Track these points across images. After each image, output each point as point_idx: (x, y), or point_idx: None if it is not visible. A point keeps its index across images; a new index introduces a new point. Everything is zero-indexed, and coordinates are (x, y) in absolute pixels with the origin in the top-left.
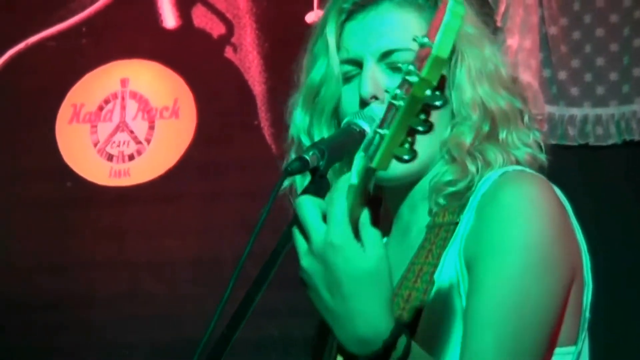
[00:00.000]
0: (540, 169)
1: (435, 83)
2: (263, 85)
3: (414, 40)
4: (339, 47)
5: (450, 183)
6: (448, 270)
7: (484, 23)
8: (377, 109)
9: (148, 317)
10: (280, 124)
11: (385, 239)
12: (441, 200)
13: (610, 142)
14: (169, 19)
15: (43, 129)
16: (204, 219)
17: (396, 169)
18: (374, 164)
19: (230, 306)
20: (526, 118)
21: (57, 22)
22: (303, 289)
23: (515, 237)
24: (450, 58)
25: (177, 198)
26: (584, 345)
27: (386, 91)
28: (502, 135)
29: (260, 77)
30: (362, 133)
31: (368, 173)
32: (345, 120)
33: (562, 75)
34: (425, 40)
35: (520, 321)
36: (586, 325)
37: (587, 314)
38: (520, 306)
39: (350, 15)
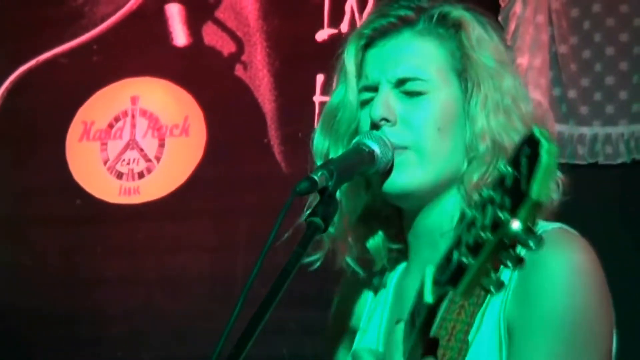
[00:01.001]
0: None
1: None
2: (273, 103)
3: None
4: (360, 74)
5: (462, 223)
6: (486, 333)
7: (506, 54)
8: (388, 131)
9: (159, 334)
10: (290, 142)
11: (393, 276)
12: (460, 253)
13: (619, 161)
14: (180, 36)
15: (53, 146)
16: (214, 236)
17: (399, 180)
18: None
19: (239, 324)
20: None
21: (69, 39)
22: None
23: (563, 312)
24: (466, 88)
25: (187, 216)
26: None
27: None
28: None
29: (270, 95)
30: (372, 153)
31: None
32: (354, 141)
33: (572, 94)
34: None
35: None
36: None
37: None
38: None
39: (372, 42)
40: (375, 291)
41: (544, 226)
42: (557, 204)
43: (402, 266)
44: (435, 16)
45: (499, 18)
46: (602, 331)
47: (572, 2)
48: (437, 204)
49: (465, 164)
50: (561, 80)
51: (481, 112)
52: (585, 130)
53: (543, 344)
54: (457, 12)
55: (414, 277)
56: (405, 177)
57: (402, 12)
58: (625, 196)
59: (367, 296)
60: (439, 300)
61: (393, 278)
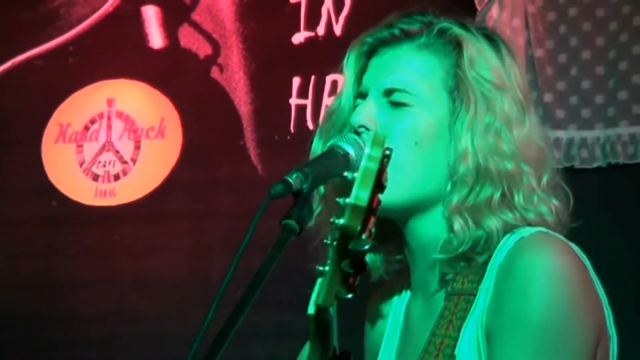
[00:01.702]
0: (562, 224)
1: (358, 229)
2: (249, 106)
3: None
4: (359, 80)
5: (444, 248)
6: (469, 345)
7: (511, 71)
8: (367, 139)
9: (134, 336)
10: (266, 144)
11: (409, 293)
12: (447, 269)
13: (595, 165)
14: (156, 39)
15: (29, 148)
16: (190, 239)
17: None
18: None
19: (214, 326)
20: (544, 181)
21: (44, 40)
22: None
23: (532, 315)
24: (456, 106)
25: (163, 218)
26: None
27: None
28: (516, 198)
29: (247, 97)
30: (346, 156)
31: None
32: (329, 144)
33: (548, 97)
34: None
35: None
36: None
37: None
38: None
39: (376, 50)
40: (395, 308)
41: (524, 231)
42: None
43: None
44: (435, 31)
45: (476, 21)
46: (578, 332)
47: (548, 6)
48: (423, 221)
49: (449, 185)
50: (537, 84)
51: (466, 133)
52: (561, 134)
53: (514, 348)
54: (457, 30)
55: (418, 302)
56: (389, 199)
57: (405, 25)
58: (602, 200)
59: (390, 309)
60: None
61: (405, 297)
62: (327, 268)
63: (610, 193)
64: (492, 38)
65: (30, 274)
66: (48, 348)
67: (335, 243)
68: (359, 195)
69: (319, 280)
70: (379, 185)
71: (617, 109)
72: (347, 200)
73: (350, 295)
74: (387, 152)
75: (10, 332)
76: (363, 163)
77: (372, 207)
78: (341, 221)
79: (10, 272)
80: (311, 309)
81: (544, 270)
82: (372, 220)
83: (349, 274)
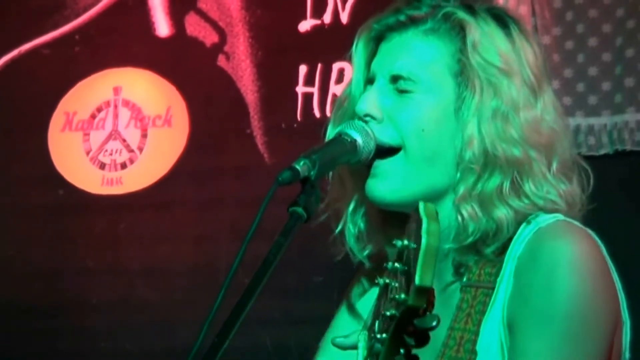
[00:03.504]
0: (578, 210)
1: (423, 306)
2: (256, 94)
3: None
4: (369, 68)
5: (455, 237)
6: (490, 339)
7: (522, 53)
8: (374, 127)
9: (142, 324)
10: (273, 132)
11: None
12: (459, 258)
13: (602, 152)
14: (162, 27)
15: (35, 136)
16: (197, 226)
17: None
18: None
19: (222, 314)
20: (554, 167)
21: (51, 29)
22: None
23: (558, 306)
24: (462, 92)
25: (170, 206)
26: None
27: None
28: (526, 185)
29: (253, 85)
30: (354, 143)
31: None
32: (337, 130)
33: (555, 84)
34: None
35: None
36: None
37: (627, 355)
38: None
39: (385, 36)
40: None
41: (541, 220)
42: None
43: None
44: (440, 16)
45: None
46: (601, 321)
47: None
48: (441, 215)
49: (459, 174)
50: None
51: (472, 118)
52: (568, 121)
53: (539, 339)
54: (462, 14)
55: (435, 297)
56: (381, 187)
57: (412, 11)
58: (608, 188)
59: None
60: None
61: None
62: (383, 336)
63: (617, 180)
64: (502, 19)
65: (37, 263)
66: (56, 336)
67: (397, 316)
68: (425, 276)
69: (365, 339)
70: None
71: (624, 95)
72: (415, 281)
73: None
74: (437, 214)
75: (18, 320)
76: (424, 240)
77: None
78: (405, 299)
79: (17, 260)
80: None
81: (567, 260)
82: (434, 293)
83: (411, 346)
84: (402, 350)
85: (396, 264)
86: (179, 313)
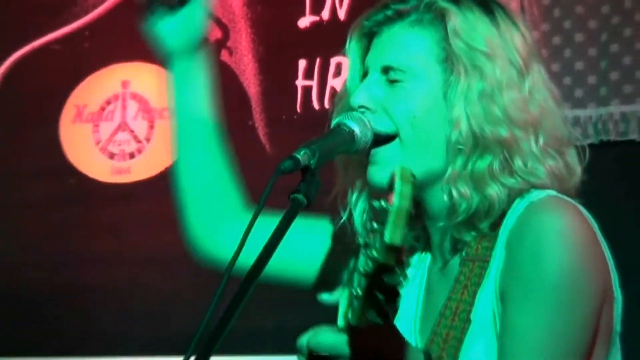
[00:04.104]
0: (572, 186)
1: (393, 264)
2: (257, 87)
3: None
4: (364, 62)
5: (448, 215)
6: (484, 309)
7: (507, 36)
8: (370, 117)
9: (147, 310)
10: (274, 124)
11: (429, 256)
12: (456, 235)
13: (588, 142)
14: None
15: (47, 128)
16: None
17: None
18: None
19: (226, 298)
20: (541, 143)
21: (61, 26)
22: None
23: (546, 276)
24: (447, 69)
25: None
26: (615, 357)
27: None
28: (515, 163)
29: (255, 79)
30: (352, 133)
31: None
32: (335, 121)
33: None
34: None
35: (553, 357)
36: (617, 339)
37: (618, 328)
38: (553, 344)
39: (375, 32)
40: (417, 267)
41: (533, 195)
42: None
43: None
44: (422, 7)
45: None
46: (588, 291)
47: None
48: (434, 192)
49: (450, 156)
50: None
51: (459, 101)
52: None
53: (528, 308)
54: (443, 3)
55: (437, 265)
56: (380, 172)
57: (398, 5)
58: (595, 176)
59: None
60: None
61: (426, 262)
62: (358, 292)
63: (601, 170)
64: (487, 5)
65: (48, 250)
66: (64, 319)
67: (369, 272)
68: (394, 235)
69: (346, 296)
70: (409, 217)
71: (609, 89)
72: (384, 239)
73: (382, 322)
74: (414, 180)
75: (30, 305)
76: (396, 201)
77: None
78: (376, 256)
79: (29, 248)
80: (341, 323)
81: (556, 233)
82: (404, 251)
83: (381, 302)
84: (375, 307)
85: (373, 224)
86: (183, 298)
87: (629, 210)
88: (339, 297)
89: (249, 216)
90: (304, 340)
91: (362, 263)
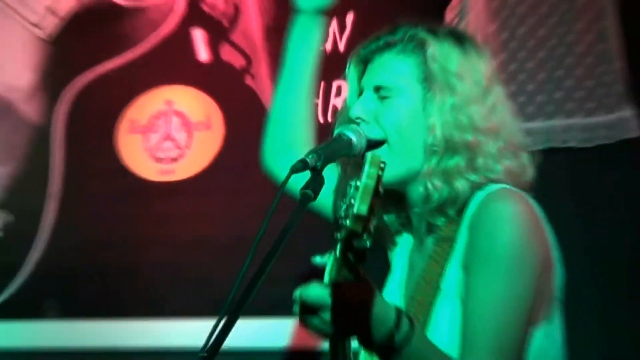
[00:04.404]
0: (524, 181)
1: (360, 231)
2: None
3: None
4: (360, 83)
5: (424, 203)
6: (451, 279)
7: (474, 61)
8: (365, 127)
9: (189, 280)
10: None
11: (411, 238)
12: (430, 219)
13: (537, 148)
14: (203, 54)
15: (108, 138)
16: (230, 208)
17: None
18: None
19: (249, 272)
20: (500, 147)
21: (118, 55)
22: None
23: (499, 250)
24: (426, 87)
25: (210, 192)
26: (557, 319)
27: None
28: (477, 162)
29: (272, 98)
30: (349, 141)
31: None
32: (337, 131)
33: None
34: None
35: (505, 315)
36: (558, 304)
37: (558, 295)
38: (504, 302)
39: (370, 59)
40: (401, 246)
41: (491, 188)
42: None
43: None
44: (406, 38)
45: None
46: (531, 262)
47: (501, 28)
48: (415, 186)
49: (427, 156)
50: None
51: (434, 113)
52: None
53: (486, 276)
54: (423, 35)
55: (416, 245)
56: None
57: (388, 38)
58: (541, 175)
59: (398, 247)
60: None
61: (409, 242)
62: (336, 255)
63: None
64: (459, 37)
65: (108, 234)
66: (127, 290)
67: (343, 239)
68: (361, 207)
69: (331, 260)
70: (377, 194)
71: (554, 106)
72: (353, 210)
73: (353, 278)
74: (382, 165)
75: (99, 277)
76: (363, 180)
77: (371, 213)
78: (347, 225)
79: (95, 232)
80: (326, 279)
81: (506, 218)
82: (372, 221)
83: (352, 262)
84: (348, 267)
85: (351, 200)
86: (216, 275)
87: (570, 201)
88: (326, 260)
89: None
90: (297, 293)
91: (340, 231)
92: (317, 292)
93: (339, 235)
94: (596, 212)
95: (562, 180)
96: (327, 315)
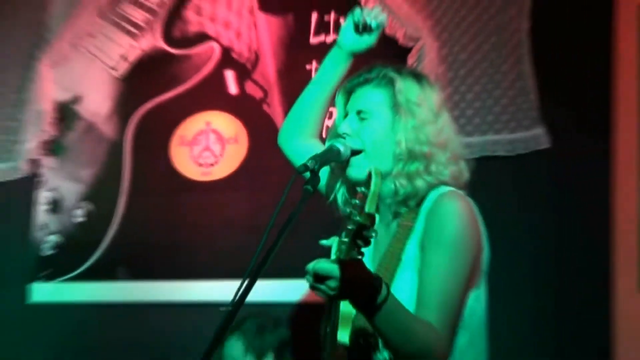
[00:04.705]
0: (466, 184)
1: (368, 223)
2: None
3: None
4: (345, 108)
5: (391, 197)
6: (409, 254)
7: (425, 97)
8: (349, 140)
9: (224, 251)
10: None
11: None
12: (395, 208)
13: (472, 157)
14: (233, 88)
15: (164, 150)
16: (253, 202)
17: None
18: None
19: (265, 246)
20: (448, 156)
21: (172, 89)
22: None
23: (446, 238)
24: (394, 112)
25: (237, 188)
26: (483, 287)
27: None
28: (431, 167)
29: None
30: (338, 151)
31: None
32: (329, 143)
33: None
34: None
35: (449, 282)
36: (485, 277)
37: (485, 269)
38: (449, 276)
39: (353, 90)
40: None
41: (442, 189)
42: (463, 179)
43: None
44: (380, 76)
45: None
46: (470, 248)
47: (447, 69)
48: (386, 184)
49: (394, 162)
50: None
51: (400, 130)
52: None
53: (436, 256)
54: (392, 74)
55: (383, 228)
56: (355, 171)
57: (366, 75)
58: (475, 177)
59: None
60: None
61: (381, 224)
62: (345, 240)
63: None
64: (417, 75)
65: (163, 219)
66: (179, 258)
67: (354, 229)
68: (370, 207)
69: (337, 243)
70: (379, 197)
71: (487, 126)
72: (365, 209)
73: (360, 257)
74: (382, 176)
75: (159, 252)
76: (373, 187)
77: (376, 211)
78: (358, 219)
79: (152, 218)
80: (333, 257)
81: (453, 212)
82: (376, 218)
83: (360, 246)
84: (356, 249)
85: (357, 201)
86: (240, 251)
87: (499, 195)
88: (332, 243)
89: (318, 146)
90: (310, 265)
91: (350, 224)
92: (328, 266)
93: (350, 226)
94: (518, 203)
95: (492, 180)
96: (333, 284)
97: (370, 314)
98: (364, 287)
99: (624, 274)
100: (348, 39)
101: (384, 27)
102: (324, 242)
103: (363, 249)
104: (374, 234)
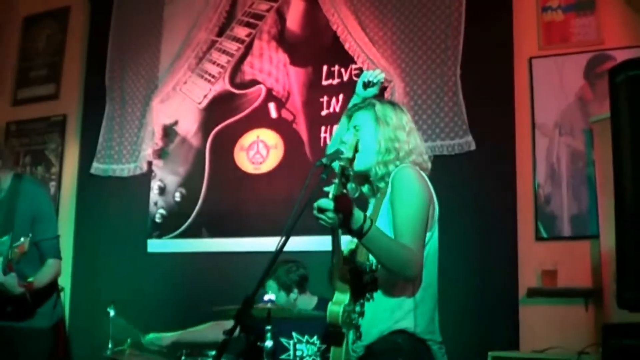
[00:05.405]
0: (425, 168)
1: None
2: (307, 138)
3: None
4: (346, 126)
5: (374, 176)
6: (384, 212)
7: (396, 117)
8: (347, 145)
9: (268, 218)
10: (314, 150)
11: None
12: (377, 184)
13: (431, 154)
14: (273, 113)
15: (230, 155)
16: (288, 188)
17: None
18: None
19: (296, 214)
20: (410, 148)
21: (234, 116)
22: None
23: (406, 194)
24: (377, 125)
25: (277, 179)
26: (436, 231)
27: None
28: (400, 156)
29: (307, 135)
30: (342, 152)
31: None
32: (336, 148)
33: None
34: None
35: (414, 218)
36: (436, 224)
37: (436, 218)
38: (414, 219)
39: (352, 115)
40: (371, 201)
41: (402, 165)
42: (425, 166)
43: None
44: (367, 105)
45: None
46: (425, 201)
47: (410, 100)
48: (372, 171)
49: (377, 158)
50: None
51: (381, 138)
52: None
53: (401, 207)
54: (374, 101)
55: (374, 199)
56: (357, 165)
57: (360, 105)
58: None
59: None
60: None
61: (372, 199)
62: (336, 180)
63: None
64: (392, 103)
65: (233, 200)
66: (235, 226)
67: (341, 171)
68: (348, 154)
69: (332, 187)
70: (352, 160)
71: (435, 135)
72: (344, 156)
73: (345, 192)
74: (347, 165)
75: (222, 220)
76: (349, 149)
77: (353, 160)
78: (342, 164)
79: (222, 198)
80: (331, 195)
81: (407, 174)
82: (353, 163)
83: (344, 183)
84: (342, 186)
85: (343, 156)
86: (281, 215)
87: (440, 182)
88: (330, 189)
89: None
90: (315, 204)
91: (337, 167)
92: (325, 201)
93: (337, 168)
94: (452, 185)
95: (438, 171)
96: (330, 214)
97: (359, 236)
98: (350, 214)
99: (524, 229)
100: (360, 91)
101: (382, 82)
102: (327, 188)
103: (348, 186)
104: (351, 172)
